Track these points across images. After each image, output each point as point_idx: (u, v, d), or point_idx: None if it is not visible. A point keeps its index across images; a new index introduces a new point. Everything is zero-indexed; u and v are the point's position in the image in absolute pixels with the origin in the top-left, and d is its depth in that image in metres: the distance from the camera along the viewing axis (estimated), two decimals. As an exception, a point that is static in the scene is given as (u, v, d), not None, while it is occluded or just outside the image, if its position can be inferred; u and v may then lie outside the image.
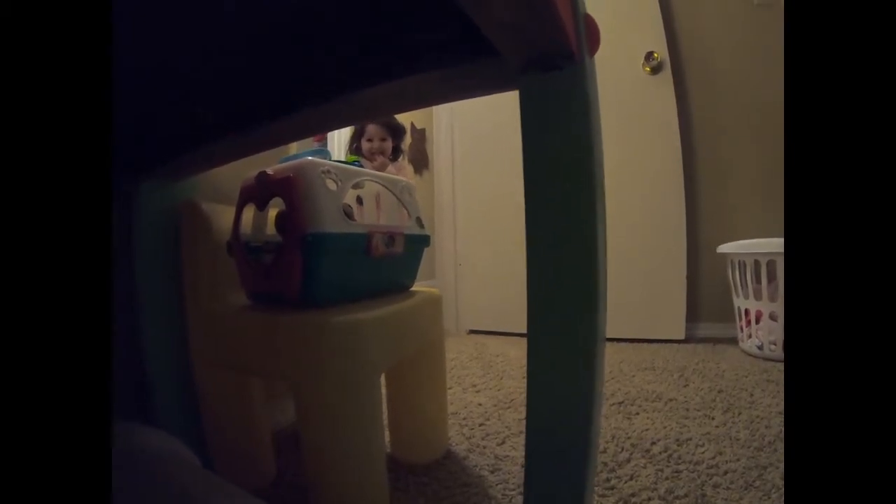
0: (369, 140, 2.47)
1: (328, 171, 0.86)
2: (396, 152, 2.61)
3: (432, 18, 0.49)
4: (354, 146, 2.52)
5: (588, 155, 0.45)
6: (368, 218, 1.15)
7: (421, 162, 3.63)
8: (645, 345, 2.29)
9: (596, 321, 0.48)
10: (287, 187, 0.83)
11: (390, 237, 0.93)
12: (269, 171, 0.88)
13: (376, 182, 1.01)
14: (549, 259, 0.49)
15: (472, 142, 2.93)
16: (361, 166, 2.17)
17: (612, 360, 2.05)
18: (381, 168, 2.52)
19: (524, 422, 1.32)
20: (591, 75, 0.49)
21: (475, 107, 2.84)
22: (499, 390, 1.68)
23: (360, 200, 1.20)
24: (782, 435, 1.19)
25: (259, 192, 0.89)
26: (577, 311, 0.48)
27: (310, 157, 0.87)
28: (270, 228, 0.98)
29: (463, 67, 0.52)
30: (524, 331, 1.85)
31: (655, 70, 2.36)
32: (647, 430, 1.27)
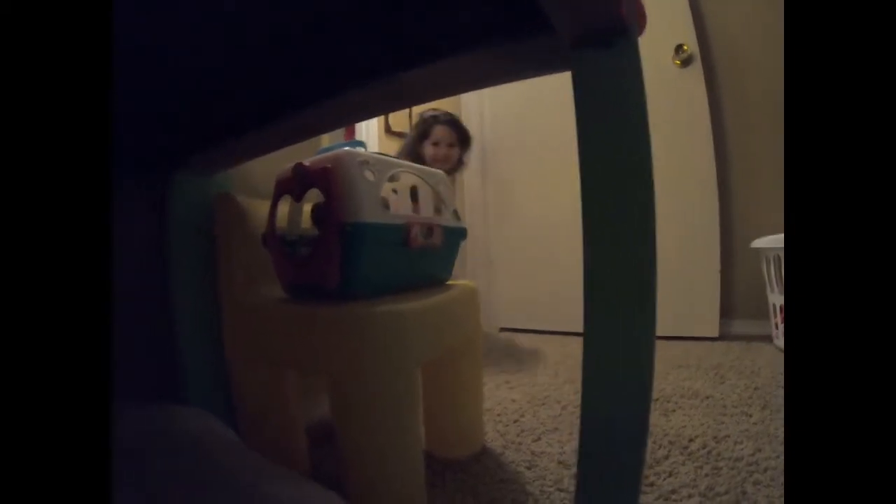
0: (435, 144, 2.23)
1: (366, 162, 0.85)
2: (460, 164, 2.39)
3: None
4: (411, 150, 2.29)
5: (644, 133, 0.44)
6: (406, 209, 1.14)
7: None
8: (678, 342, 2.25)
9: (653, 312, 0.47)
10: (325, 178, 0.83)
11: (429, 229, 0.92)
12: (306, 162, 0.87)
13: (413, 174, 1.01)
14: (608, 250, 0.47)
15: (503, 136, 2.90)
16: None
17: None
18: None
19: (559, 418, 1.31)
20: (639, 53, 0.47)
21: (505, 99, 2.81)
22: (532, 387, 1.67)
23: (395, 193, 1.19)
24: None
25: (296, 183, 0.89)
26: (636, 302, 0.47)
27: (347, 148, 0.87)
28: (306, 222, 0.98)
29: (514, 46, 0.51)
30: (557, 328, 1.84)
31: (685, 63, 2.33)
32: (684, 427, 1.25)
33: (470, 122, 2.99)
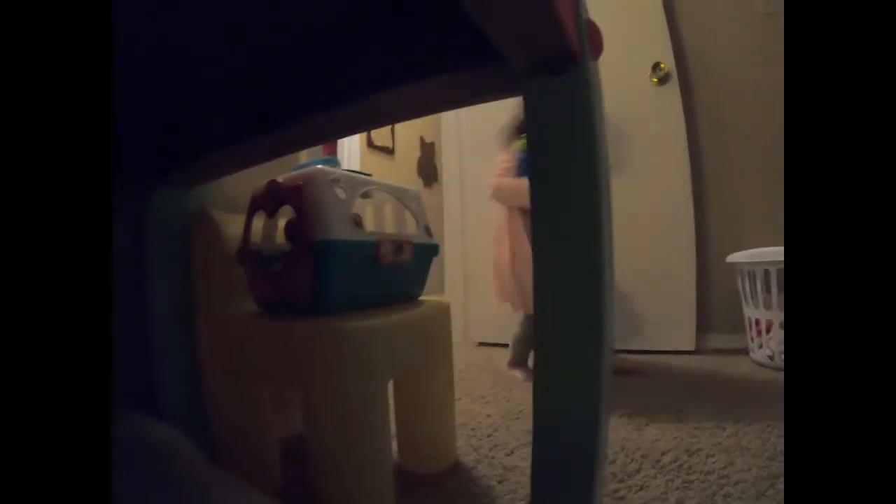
0: None
1: (337, 180, 0.86)
2: None
3: (440, 25, 0.50)
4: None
5: (594, 154, 0.46)
6: (377, 226, 1.15)
7: (430, 175, 3.66)
8: (656, 356, 2.27)
9: (601, 330, 0.48)
10: (297, 195, 0.84)
11: (399, 246, 0.94)
12: (280, 179, 0.89)
13: (384, 191, 1.02)
14: (556, 268, 0.49)
15: (481, 153, 2.86)
16: None
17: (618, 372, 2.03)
18: None
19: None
20: (594, 78, 0.49)
21: (483, 118, 2.79)
22: (507, 401, 1.67)
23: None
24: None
25: (269, 200, 0.90)
26: (584, 319, 0.48)
27: (319, 166, 0.88)
28: (281, 237, 0.99)
29: (470, 73, 0.52)
30: None
31: (662, 80, 2.37)
32: (657, 440, 1.26)
33: (449, 145, 2.96)
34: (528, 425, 1.36)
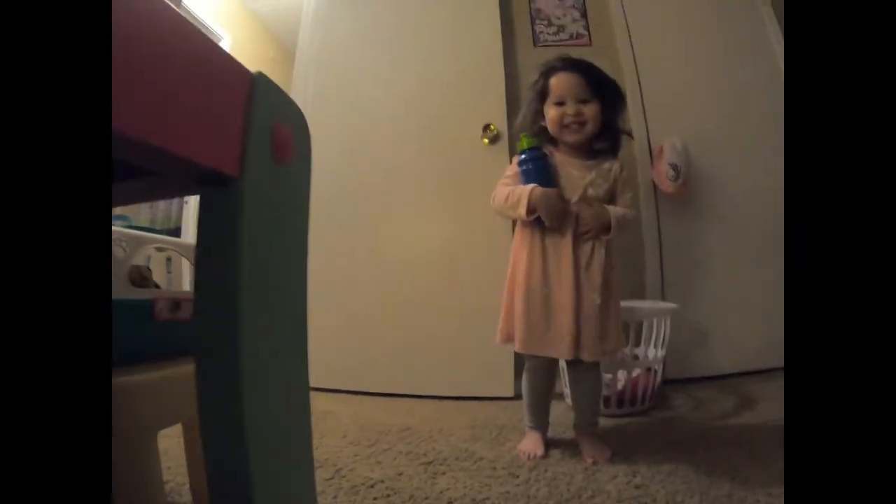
0: (559, 103, 1.51)
1: (117, 239, 0.87)
2: (614, 134, 1.61)
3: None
4: (532, 121, 1.63)
5: (238, 269, 0.50)
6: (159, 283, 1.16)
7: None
8: (474, 402, 2.29)
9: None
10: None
11: (177, 303, 0.95)
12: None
13: (173, 248, 1.03)
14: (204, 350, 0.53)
15: (326, 182, 2.61)
16: (545, 155, 1.57)
17: (434, 418, 2.04)
18: (584, 156, 1.60)
19: (330, 482, 1.31)
20: (263, 190, 0.53)
21: (327, 147, 2.54)
22: (315, 449, 1.62)
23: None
24: (581, 491, 1.26)
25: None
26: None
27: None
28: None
29: (161, 177, 0.58)
30: (359, 388, 1.84)
31: (493, 140, 2.48)
32: (446, 490, 1.29)
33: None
34: (329, 473, 1.37)
